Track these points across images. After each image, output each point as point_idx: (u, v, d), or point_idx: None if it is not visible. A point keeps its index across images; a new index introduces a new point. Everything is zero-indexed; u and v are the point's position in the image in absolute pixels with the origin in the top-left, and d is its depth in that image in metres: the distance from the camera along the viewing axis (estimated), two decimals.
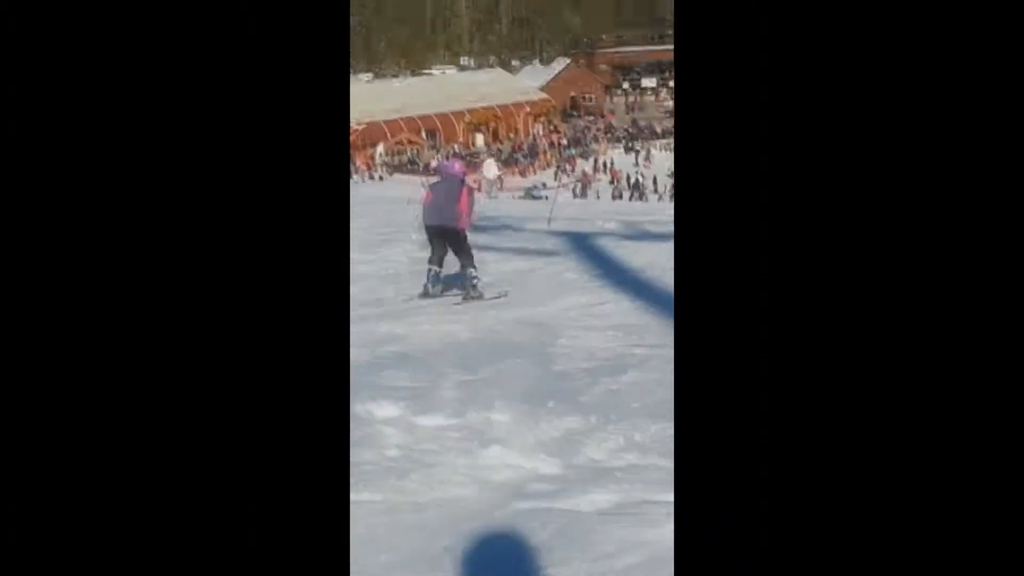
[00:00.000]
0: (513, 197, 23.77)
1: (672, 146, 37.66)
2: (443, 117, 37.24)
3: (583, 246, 9.29)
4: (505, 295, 5.92)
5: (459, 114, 37.66)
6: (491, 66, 50.47)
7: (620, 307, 5.92)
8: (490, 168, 28.13)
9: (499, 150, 36.57)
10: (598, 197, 26.78)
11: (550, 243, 9.67)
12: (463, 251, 5.88)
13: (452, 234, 5.81)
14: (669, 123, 41.52)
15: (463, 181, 6.06)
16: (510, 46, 63.69)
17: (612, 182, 31.00)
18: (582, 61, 48.98)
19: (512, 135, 38.97)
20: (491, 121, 38.92)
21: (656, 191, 29.40)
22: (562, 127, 41.21)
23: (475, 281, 5.87)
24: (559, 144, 37.99)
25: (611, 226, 11.59)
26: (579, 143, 38.57)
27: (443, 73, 46.60)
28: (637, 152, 37.16)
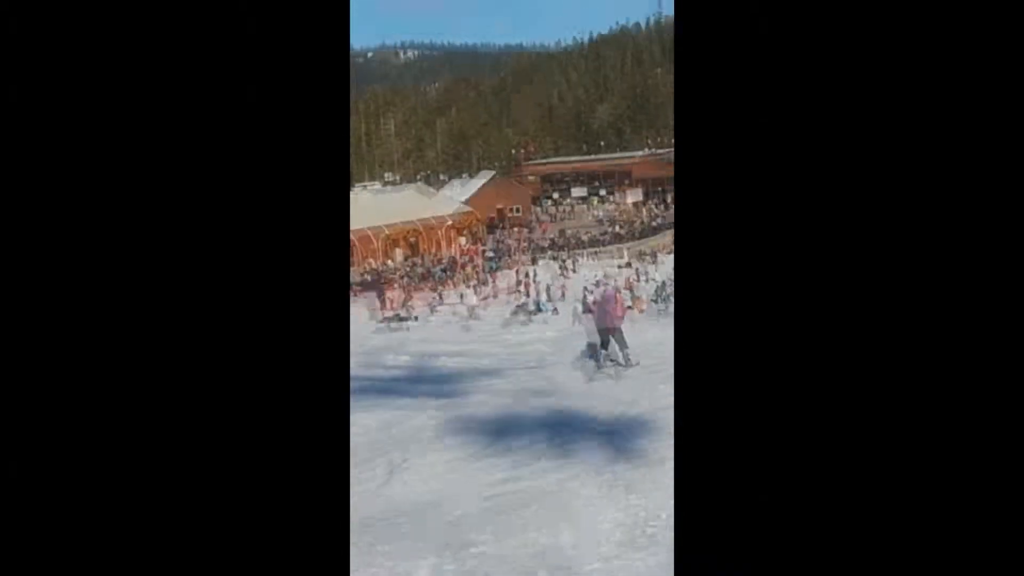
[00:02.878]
0: (378, 325, 20.85)
1: (598, 255, 36.41)
2: (360, 232, 35.37)
3: None
4: (639, 363, 8.80)
5: (377, 230, 35.87)
6: (417, 182, 49.13)
7: None
8: (468, 297, 26.45)
9: (414, 264, 34.69)
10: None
11: None
12: (622, 340, 8.88)
13: (615, 331, 8.86)
14: (597, 231, 40.42)
15: (616, 296, 9.27)
16: (446, 163, 63.35)
17: (525, 295, 29.07)
18: (511, 173, 48.26)
19: (434, 250, 37.22)
20: (411, 236, 37.20)
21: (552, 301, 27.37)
22: (486, 240, 39.68)
23: (629, 356, 8.85)
24: (482, 257, 36.25)
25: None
26: (503, 256, 36.91)
27: (364, 189, 44.96)
28: (563, 262, 35.53)
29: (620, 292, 10.50)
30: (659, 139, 50.74)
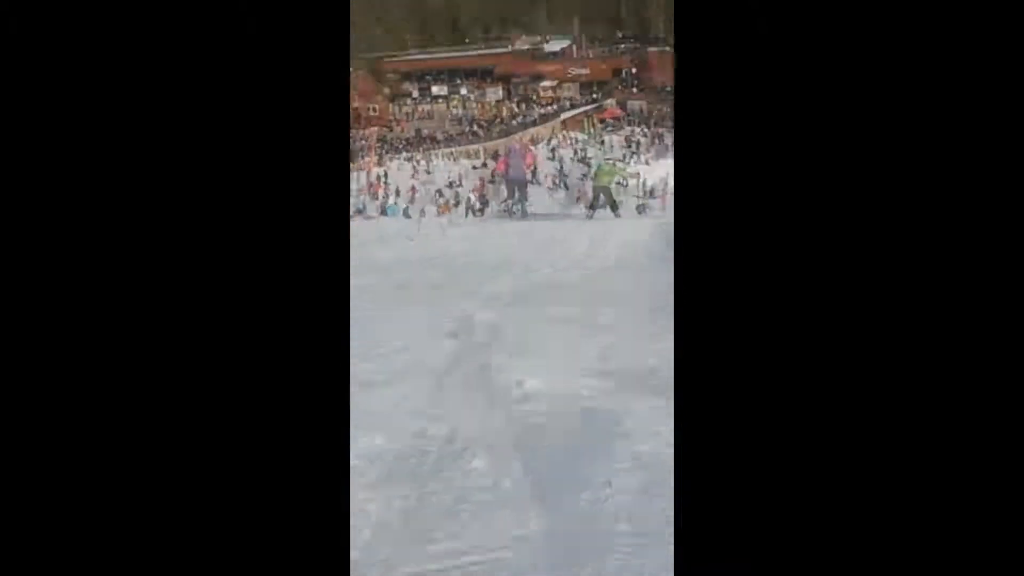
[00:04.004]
0: None
1: (454, 155, 35.33)
2: None
3: None
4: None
5: None
6: None
7: None
8: None
9: None
10: None
11: None
12: (525, 193, 11.07)
13: (521, 182, 11.14)
14: (455, 130, 39.15)
15: (527, 150, 12.62)
16: None
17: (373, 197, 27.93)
18: (370, 69, 46.02)
19: None
20: None
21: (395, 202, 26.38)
22: None
23: (529, 207, 11.09)
24: None
25: None
26: (356, 156, 35.39)
27: None
28: (416, 163, 34.34)
29: (529, 149, 13.31)
30: (524, 36, 49.29)
